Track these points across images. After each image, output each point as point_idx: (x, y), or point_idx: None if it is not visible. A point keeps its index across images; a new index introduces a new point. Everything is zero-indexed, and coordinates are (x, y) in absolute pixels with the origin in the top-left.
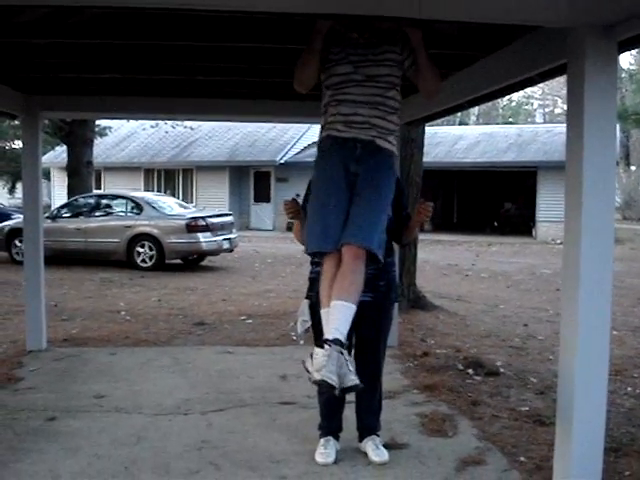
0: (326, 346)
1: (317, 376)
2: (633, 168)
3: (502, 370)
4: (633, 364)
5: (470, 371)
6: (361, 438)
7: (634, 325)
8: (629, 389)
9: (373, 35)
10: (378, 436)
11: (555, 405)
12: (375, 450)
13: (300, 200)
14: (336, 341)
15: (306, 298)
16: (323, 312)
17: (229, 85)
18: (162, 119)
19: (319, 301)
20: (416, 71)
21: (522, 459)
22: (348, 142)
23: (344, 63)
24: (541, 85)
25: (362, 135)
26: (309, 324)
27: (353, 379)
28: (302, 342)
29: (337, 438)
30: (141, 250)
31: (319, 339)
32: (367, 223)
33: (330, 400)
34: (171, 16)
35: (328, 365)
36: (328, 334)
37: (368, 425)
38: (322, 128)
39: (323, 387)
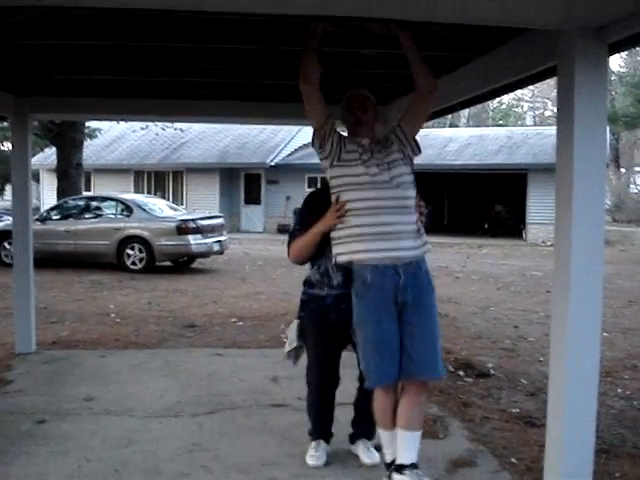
0: (407, 471)
1: None
2: (623, 170)
3: (493, 372)
4: (623, 366)
5: (461, 373)
6: (352, 440)
7: (624, 327)
8: (619, 391)
9: (379, 141)
10: (370, 439)
11: (545, 406)
12: (366, 452)
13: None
14: (414, 465)
15: (297, 319)
16: (383, 433)
17: (220, 87)
18: (153, 120)
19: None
20: (408, 108)
21: (513, 460)
22: (388, 270)
23: (371, 165)
24: (531, 87)
25: (396, 252)
26: (296, 344)
27: None
28: (292, 363)
29: (328, 441)
30: (131, 252)
31: (312, 362)
32: (428, 354)
33: (320, 408)
34: (162, 18)
35: None
36: (404, 460)
37: (365, 430)
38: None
39: None
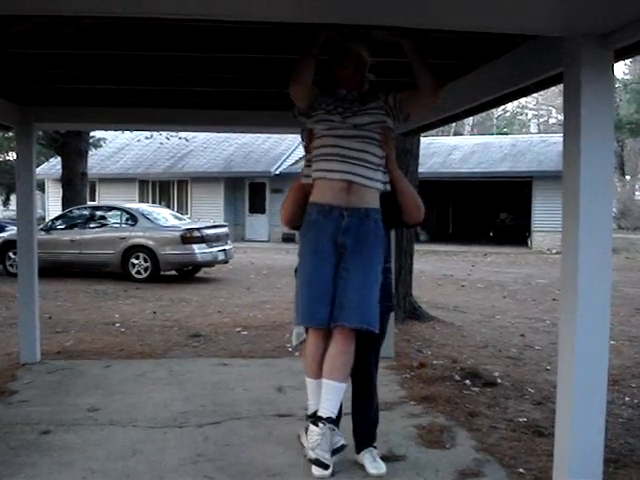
0: (320, 424)
1: (312, 455)
2: (628, 178)
3: (499, 381)
4: (631, 374)
5: (467, 382)
6: (358, 450)
7: (631, 335)
8: (627, 399)
9: (359, 92)
10: (375, 448)
11: (553, 415)
12: (372, 462)
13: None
14: (329, 419)
15: None
16: (309, 381)
17: (226, 96)
18: (158, 130)
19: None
20: (406, 93)
21: (521, 470)
22: (334, 211)
23: (334, 113)
24: (535, 95)
25: (349, 175)
26: (304, 336)
27: (340, 439)
28: (297, 354)
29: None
30: (136, 262)
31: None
32: (359, 302)
33: None
34: (166, 27)
35: (322, 444)
36: (321, 412)
37: (364, 435)
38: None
39: (317, 465)
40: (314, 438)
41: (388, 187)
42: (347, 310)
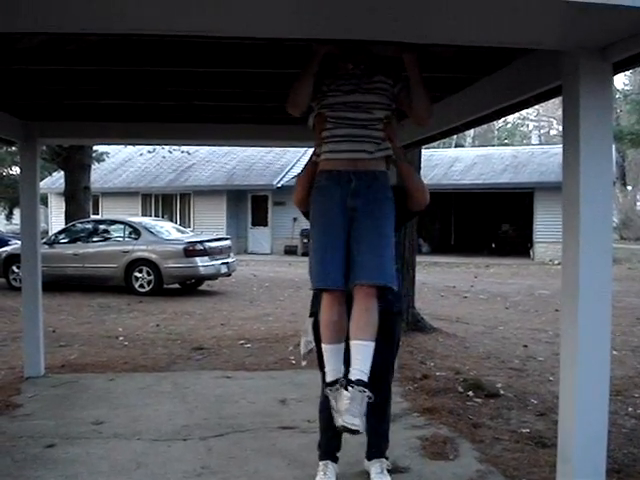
0: (349, 388)
1: (339, 422)
2: (629, 188)
3: (502, 392)
4: (633, 384)
5: (470, 393)
6: (369, 457)
7: (633, 345)
8: (630, 409)
9: (369, 66)
10: (387, 459)
11: (556, 426)
12: (378, 474)
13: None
14: (359, 382)
15: (310, 316)
16: (324, 347)
17: (227, 110)
18: (161, 144)
19: (318, 328)
20: (406, 97)
21: None
22: (342, 175)
23: (338, 93)
24: (536, 107)
25: (357, 153)
26: (313, 345)
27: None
28: (304, 363)
29: (335, 460)
30: (139, 275)
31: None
32: (375, 260)
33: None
34: (168, 43)
35: (351, 409)
36: (351, 375)
37: (376, 447)
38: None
39: (347, 432)
40: (343, 403)
41: (391, 152)
42: (364, 269)
